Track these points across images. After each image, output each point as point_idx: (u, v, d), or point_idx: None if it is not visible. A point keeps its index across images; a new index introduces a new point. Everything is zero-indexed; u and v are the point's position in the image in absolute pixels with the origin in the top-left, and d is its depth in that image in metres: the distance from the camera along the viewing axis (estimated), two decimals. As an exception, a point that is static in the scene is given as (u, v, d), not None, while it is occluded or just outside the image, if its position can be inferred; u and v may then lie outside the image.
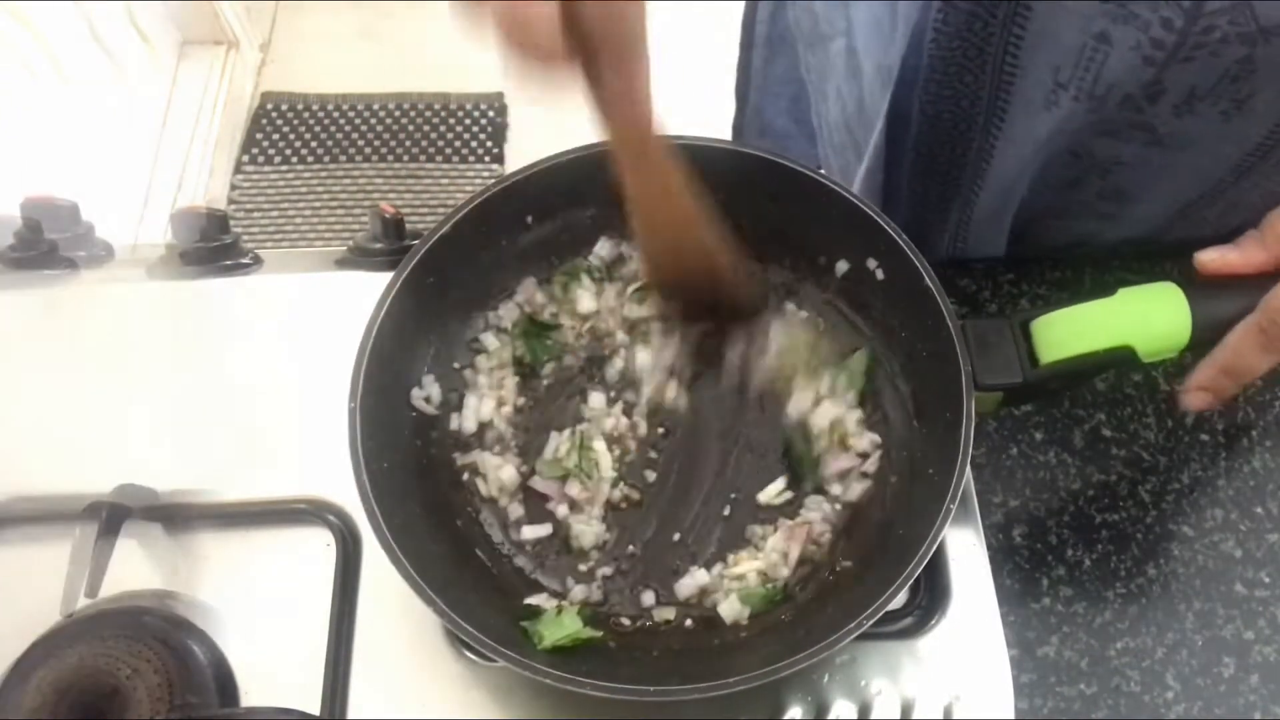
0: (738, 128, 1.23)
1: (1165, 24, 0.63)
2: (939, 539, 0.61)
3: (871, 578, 0.65)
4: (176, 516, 0.74)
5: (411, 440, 0.72)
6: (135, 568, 0.72)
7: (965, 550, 0.71)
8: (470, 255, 0.75)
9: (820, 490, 0.72)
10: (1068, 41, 0.68)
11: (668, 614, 0.69)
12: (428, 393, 0.74)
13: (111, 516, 0.70)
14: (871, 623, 0.59)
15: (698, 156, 0.66)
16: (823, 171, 0.73)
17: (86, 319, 0.83)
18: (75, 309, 0.84)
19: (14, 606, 0.70)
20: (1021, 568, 0.75)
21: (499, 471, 0.72)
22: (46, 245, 0.85)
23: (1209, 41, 0.63)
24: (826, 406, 0.73)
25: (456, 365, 0.77)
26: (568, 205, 0.77)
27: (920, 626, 0.69)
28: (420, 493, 0.70)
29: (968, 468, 0.63)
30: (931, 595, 0.70)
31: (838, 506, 0.72)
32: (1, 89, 1.64)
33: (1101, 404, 0.81)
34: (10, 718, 0.64)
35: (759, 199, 0.75)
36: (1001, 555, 0.75)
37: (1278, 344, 0.61)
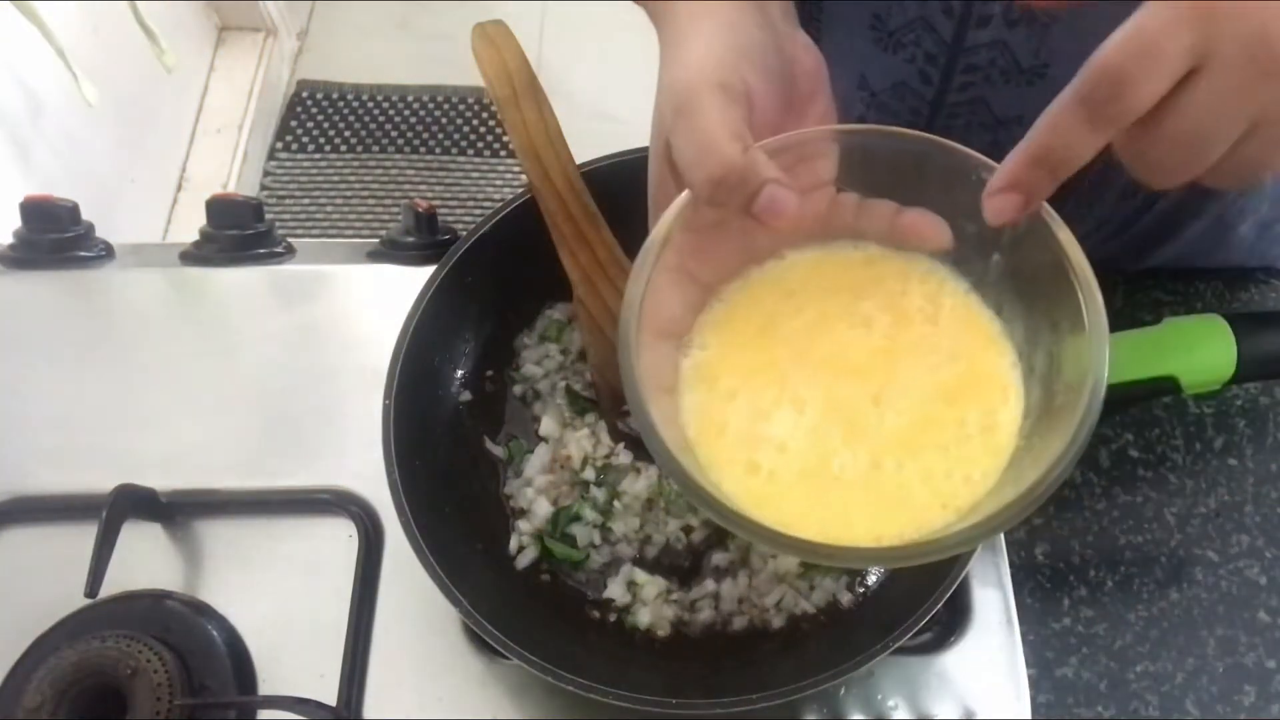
0: None
1: (913, 112, 0.73)
2: (968, 564, 0.61)
3: (899, 597, 0.65)
4: (200, 504, 0.74)
5: (444, 439, 0.73)
6: (159, 553, 0.73)
7: (987, 567, 0.71)
8: (510, 256, 0.74)
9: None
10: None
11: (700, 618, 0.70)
12: (464, 393, 0.75)
13: (135, 503, 0.71)
14: (898, 644, 0.59)
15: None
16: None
17: (120, 306, 0.84)
18: (106, 297, 0.85)
19: (40, 590, 0.71)
20: (1043, 586, 0.74)
21: (534, 505, 0.73)
22: (47, 245, 0.85)
23: (955, 126, 0.72)
24: None
25: (490, 373, 0.77)
26: (610, 209, 0.77)
27: (939, 643, 0.69)
28: (450, 493, 0.71)
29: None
30: (951, 612, 0.70)
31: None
32: (39, 73, 1.65)
33: (1129, 424, 0.80)
34: (12, 717, 0.65)
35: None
36: (1023, 573, 0.74)
37: (1105, 113, 0.42)
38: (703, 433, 0.49)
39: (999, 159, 0.46)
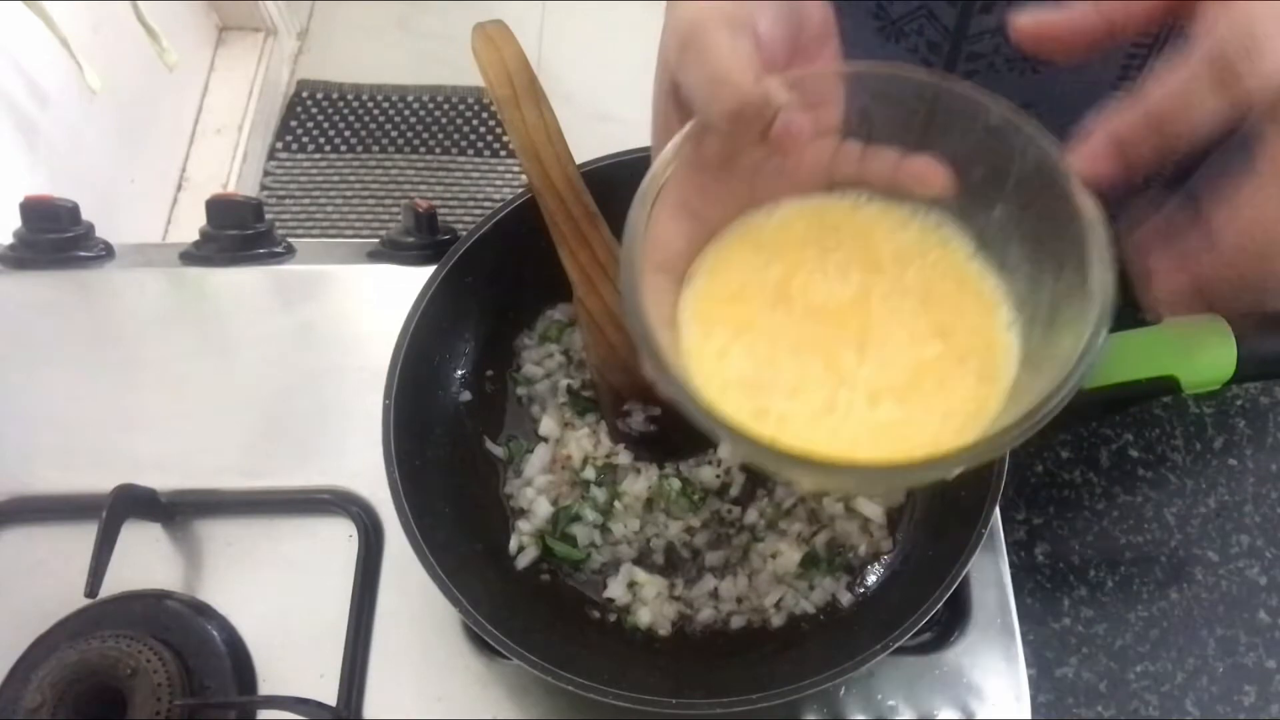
0: None
1: None
2: (968, 564, 0.61)
3: (899, 597, 0.65)
4: (200, 504, 0.74)
5: (444, 439, 0.73)
6: (159, 553, 0.73)
7: (987, 567, 0.71)
8: (510, 256, 0.74)
9: (849, 509, 0.72)
10: None
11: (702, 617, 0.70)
12: (464, 393, 0.75)
13: (136, 503, 0.71)
14: (898, 644, 0.59)
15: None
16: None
17: (120, 306, 0.84)
18: (106, 297, 0.84)
19: (40, 590, 0.71)
20: (1043, 586, 0.74)
21: (534, 505, 0.73)
22: (47, 245, 0.85)
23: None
24: None
25: (490, 373, 0.77)
26: (610, 209, 0.76)
27: (939, 643, 0.69)
28: (450, 493, 0.71)
29: (1000, 493, 0.63)
30: (951, 611, 0.70)
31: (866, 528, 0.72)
32: (40, 72, 1.65)
33: (1129, 424, 0.80)
34: (12, 717, 0.65)
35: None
36: (1023, 573, 0.74)
37: (1232, 76, 0.39)
38: (709, 380, 0.49)
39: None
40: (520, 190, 0.73)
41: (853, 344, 0.50)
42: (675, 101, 0.50)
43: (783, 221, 0.53)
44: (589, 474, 0.73)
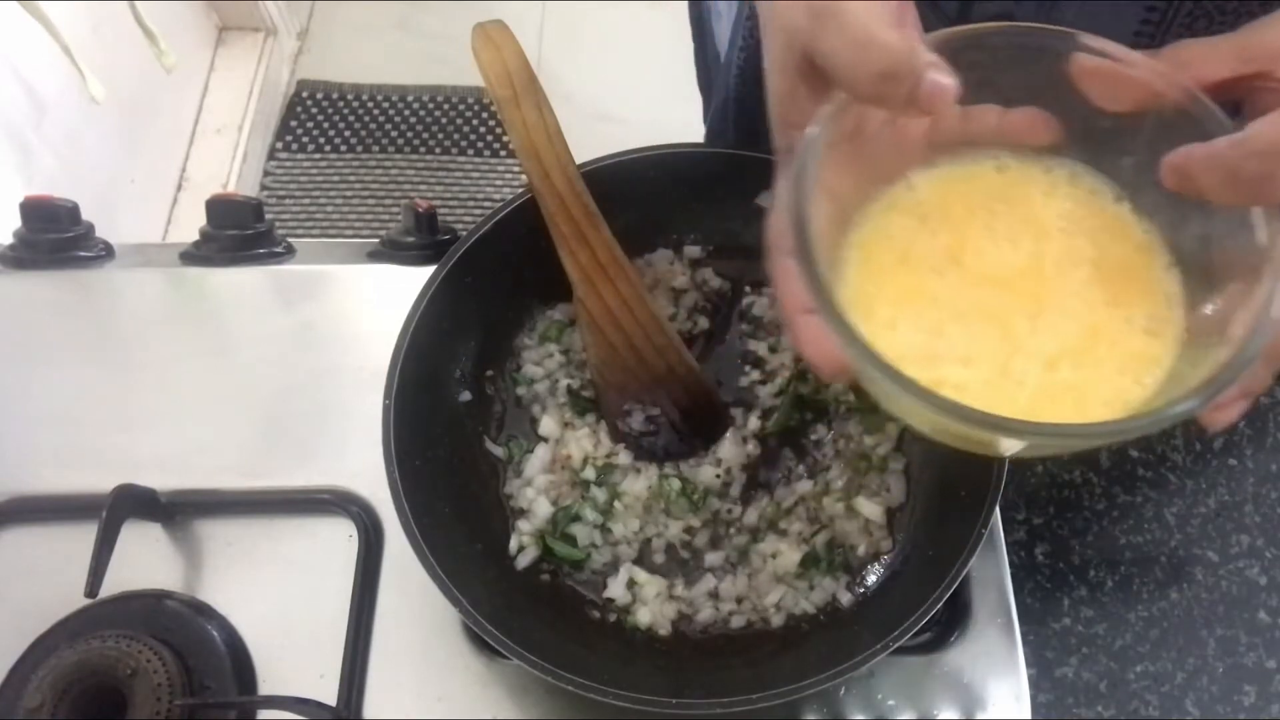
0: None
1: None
2: (968, 564, 0.61)
3: (899, 598, 0.65)
4: (200, 504, 0.74)
5: (444, 439, 0.73)
6: (159, 553, 0.73)
7: (987, 567, 0.71)
8: (510, 256, 0.74)
9: (849, 509, 0.72)
10: None
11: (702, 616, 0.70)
12: (464, 393, 0.75)
13: (135, 503, 0.71)
14: (898, 644, 0.60)
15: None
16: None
17: (120, 306, 0.84)
18: (106, 297, 0.84)
19: (40, 590, 0.71)
20: (1043, 586, 0.74)
21: (534, 505, 0.73)
22: (47, 245, 0.85)
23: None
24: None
25: (490, 373, 0.77)
26: (610, 210, 0.76)
27: (939, 642, 0.69)
28: (450, 493, 0.71)
29: (1000, 493, 0.63)
30: (951, 611, 0.70)
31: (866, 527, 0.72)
32: (40, 73, 1.65)
33: (1130, 425, 0.80)
34: (12, 716, 0.65)
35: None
36: (1023, 573, 0.74)
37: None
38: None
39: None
40: (520, 190, 0.73)
41: (1025, 309, 0.49)
42: (805, 74, 0.49)
43: (935, 190, 0.52)
44: (589, 474, 0.73)
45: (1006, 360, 0.48)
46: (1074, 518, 0.77)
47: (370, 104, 2.48)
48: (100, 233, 0.88)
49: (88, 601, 0.67)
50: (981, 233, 0.51)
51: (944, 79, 0.45)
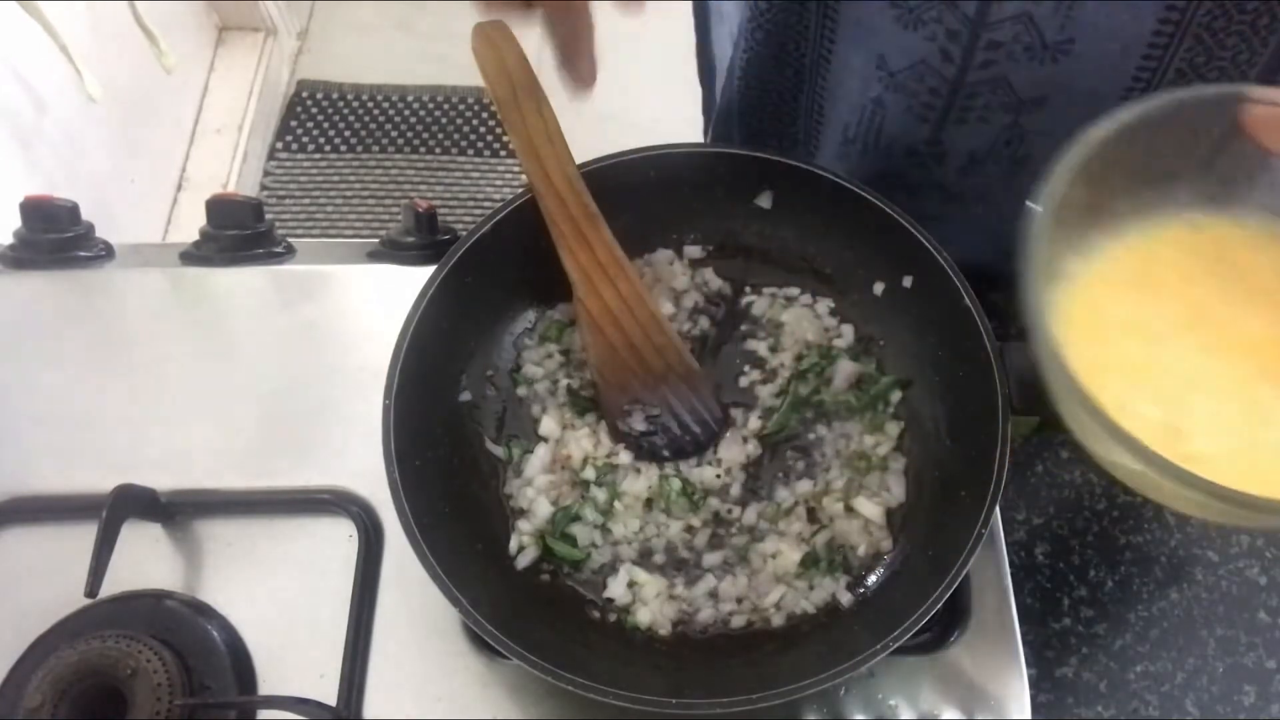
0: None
1: (932, 92, 0.73)
2: (968, 564, 0.61)
3: (899, 598, 0.65)
4: (200, 504, 0.74)
5: (444, 439, 0.72)
6: (159, 553, 0.73)
7: (987, 567, 0.71)
8: (510, 256, 0.74)
9: (849, 509, 0.72)
10: (853, 101, 0.79)
11: (702, 617, 0.70)
12: (464, 393, 0.75)
13: (135, 503, 0.71)
14: (898, 644, 0.60)
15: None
16: (863, 187, 0.73)
17: (120, 306, 0.84)
18: (106, 297, 0.84)
19: (40, 590, 0.71)
20: (1043, 586, 0.74)
21: (534, 505, 0.73)
22: (47, 245, 0.85)
23: (975, 107, 0.72)
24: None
25: (490, 373, 0.77)
26: (610, 210, 0.76)
27: (939, 642, 0.69)
28: (450, 493, 0.70)
29: (1000, 493, 0.63)
30: (952, 611, 0.70)
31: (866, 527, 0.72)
32: (40, 73, 1.66)
33: (1130, 425, 0.80)
34: (12, 716, 0.65)
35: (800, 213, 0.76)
36: (1023, 573, 0.74)
37: None
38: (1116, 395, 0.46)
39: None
40: (520, 190, 0.73)
41: (1269, 377, 0.48)
42: None
43: (1166, 252, 0.51)
44: (589, 474, 0.73)
45: (1253, 433, 0.46)
46: (1074, 517, 0.77)
47: (370, 104, 2.48)
48: (100, 233, 0.88)
49: (88, 601, 0.67)
50: (1215, 297, 0.49)
51: None
